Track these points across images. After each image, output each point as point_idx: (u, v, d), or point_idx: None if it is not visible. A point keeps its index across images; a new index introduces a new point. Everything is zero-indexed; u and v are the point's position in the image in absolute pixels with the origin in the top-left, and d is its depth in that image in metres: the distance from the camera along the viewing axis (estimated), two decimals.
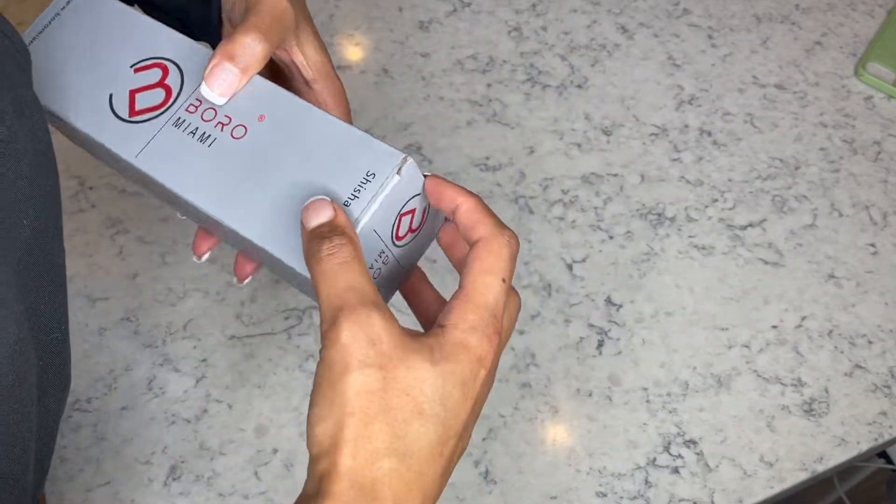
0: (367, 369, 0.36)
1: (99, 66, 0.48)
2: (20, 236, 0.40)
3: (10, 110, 0.41)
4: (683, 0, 0.96)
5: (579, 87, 0.88)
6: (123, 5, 0.49)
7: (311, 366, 0.70)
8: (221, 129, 0.44)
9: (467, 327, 0.38)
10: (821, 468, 0.68)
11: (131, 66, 0.47)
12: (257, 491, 0.63)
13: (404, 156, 0.41)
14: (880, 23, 0.96)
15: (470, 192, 0.42)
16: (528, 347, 0.72)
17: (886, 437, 0.70)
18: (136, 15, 0.49)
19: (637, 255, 0.78)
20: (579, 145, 0.84)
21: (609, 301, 0.75)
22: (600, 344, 0.73)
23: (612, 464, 0.67)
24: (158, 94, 0.46)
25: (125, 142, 0.45)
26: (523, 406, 0.69)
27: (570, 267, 0.77)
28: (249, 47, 0.44)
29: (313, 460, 0.36)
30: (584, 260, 0.77)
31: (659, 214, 0.80)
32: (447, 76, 0.87)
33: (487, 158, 0.82)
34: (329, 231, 0.39)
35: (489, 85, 0.87)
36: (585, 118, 0.86)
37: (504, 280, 0.40)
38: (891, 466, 1.10)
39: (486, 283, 0.39)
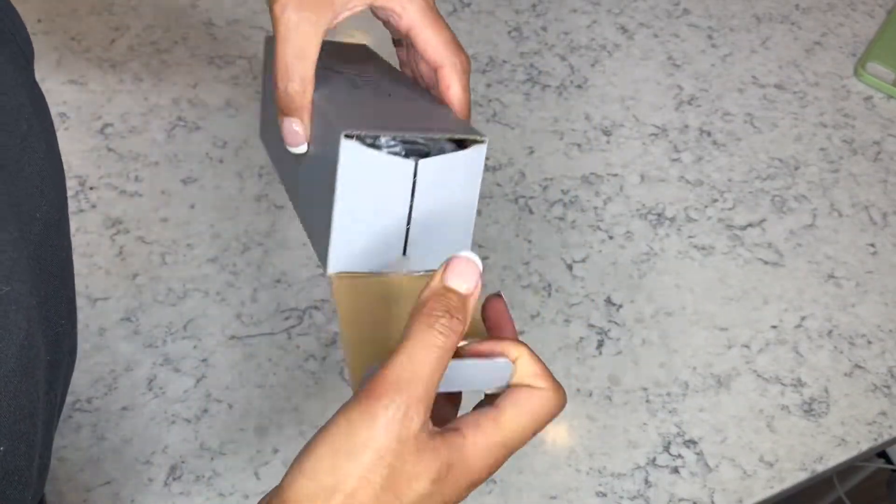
0: (380, 460, 0.35)
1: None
2: (33, 230, 0.40)
3: (28, 105, 0.41)
4: (683, 0, 0.96)
5: (579, 87, 0.88)
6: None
7: (312, 366, 0.70)
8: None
9: (484, 448, 0.37)
10: (821, 468, 0.68)
11: None
12: (257, 491, 0.63)
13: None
14: (880, 23, 0.96)
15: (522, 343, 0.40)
16: None
17: (886, 437, 0.70)
18: None
19: (637, 255, 0.78)
20: (579, 145, 0.84)
21: (609, 301, 0.75)
22: (600, 344, 0.73)
23: (611, 464, 0.67)
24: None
25: (293, 186, 0.50)
26: None
27: (570, 267, 0.77)
28: (290, 95, 0.45)
29: (281, 502, 0.36)
30: (584, 260, 0.77)
31: (659, 214, 0.80)
32: None
33: (487, 158, 0.82)
34: (457, 306, 0.37)
35: (489, 85, 0.87)
36: (585, 118, 0.86)
37: (535, 432, 0.39)
38: (890, 466, 1.10)
39: (523, 425, 0.38)
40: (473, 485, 0.38)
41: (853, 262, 0.79)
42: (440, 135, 0.42)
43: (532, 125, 0.85)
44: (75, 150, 0.80)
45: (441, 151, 0.43)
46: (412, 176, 0.42)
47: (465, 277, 0.37)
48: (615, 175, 0.82)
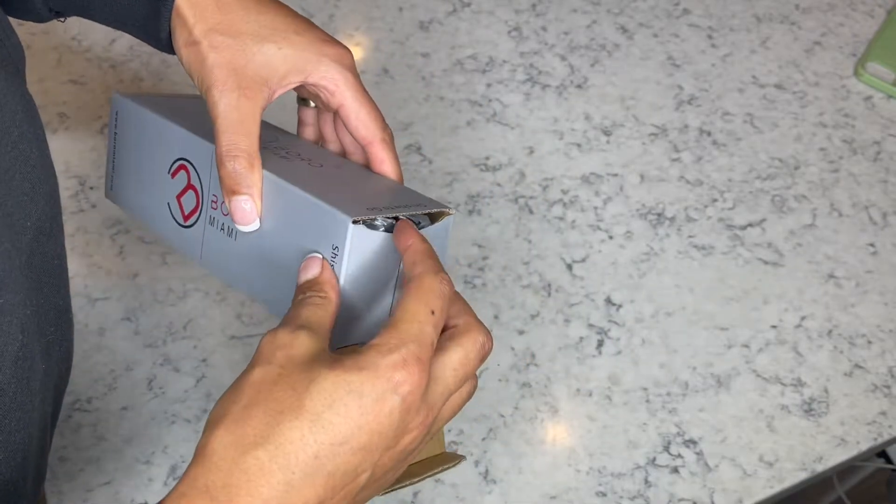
0: (267, 365, 0.37)
1: (153, 177, 0.53)
2: (24, 239, 0.40)
3: (21, 112, 0.41)
4: (683, 0, 0.96)
5: (579, 87, 0.88)
6: (143, 110, 0.53)
7: None
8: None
9: (383, 349, 0.38)
10: (820, 468, 0.68)
11: (168, 173, 0.52)
12: None
13: (349, 220, 0.43)
14: (880, 23, 0.96)
15: (423, 238, 0.43)
16: (528, 347, 0.72)
17: (886, 437, 0.70)
18: (155, 118, 0.52)
19: (637, 255, 0.78)
20: (579, 145, 0.84)
21: (609, 301, 0.75)
22: (600, 344, 0.73)
23: (611, 463, 0.67)
24: (192, 197, 0.50)
25: (191, 246, 0.51)
26: (523, 406, 0.69)
27: (570, 267, 0.77)
28: (238, 173, 0.46)
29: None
30: (584, 260, 0.77)
31: (659, 214, 0.80)
32: (447, 76, 0.87)
33: (487, 158, 0.82)
34: (310, 286, 0.42)
35: (489, 85, 0.87)
36: (585, 118, 0.86)
37: (433, 312, 0.40)
38: (890, 466, 1.10)
39: (413, 310, 0.39)
40: (397, 386, 0.37)
41: (853, 261, 0.79)
42: (420, 210, 0.46)
43: (532, 125, 0.85)
44: (75, 149, 0.80)
45: (418, 223, 0.46)
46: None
47: (310, 269, 0.44)
48: (615, 175, 0.82)
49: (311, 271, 0.43)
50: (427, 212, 0.46)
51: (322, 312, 0.41)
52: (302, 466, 0.35)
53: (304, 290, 0.43)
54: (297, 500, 0.35)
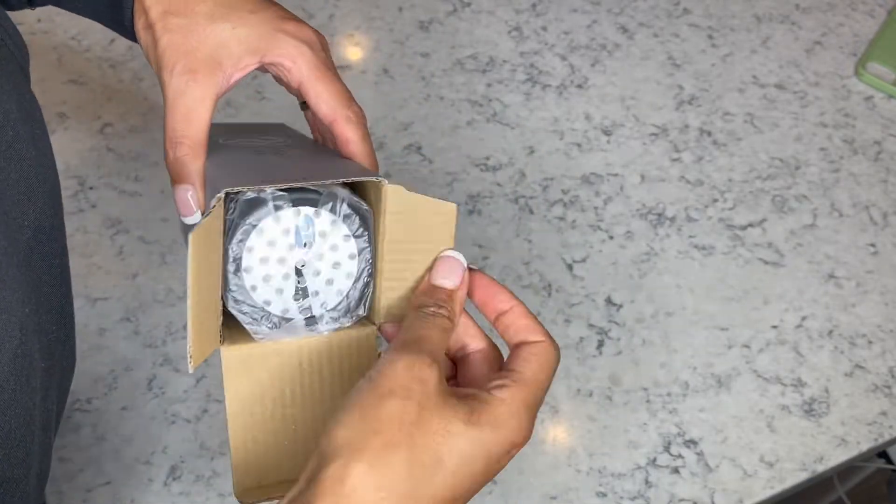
0: (407, 400, 0.36)
1: None
2: (22, 237, 0.40)
3: (15, 111, 0.41)
4: (683, 0, 0.96)
5: (579, 86, 0.88)
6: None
7: None
8: None
9: (517, 408, 0.38)
10: (821, 468, 0.68)
11: None
12: None
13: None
14: (880, 23, 0.96)
15: (513, 295, 0.43)
16: None
17: (886, 437, 0.70)
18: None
19: (637, 255, 0.78)
20: (579, 145, 0.84)
21: (609, 301, 0.75)
22: (600, 344, 0.73)
23: (612, 464, 0.67)
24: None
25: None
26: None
27: (570, 267, 0.77)
28: (180, 161, 0.44)
29: (320, 456, 0.36)
30: (584, 260, 0.77)
31: (659, 214, 0.80)
32: (447, 76, 0.87)
33: (487, 158, 0.82)
34: (444, 299, 0.41)
35: (489, 85, 0.87)
36: (585, 118, 0.86)
37: (548, 387, 0.40)
38: (891, 466, 1.10)
39: (540, 380, 0.39)
40: (513, 447, 0.38)
41: (853, 261, 0.79)
42: (329, 180, 0.41)
43: (532, 125, 0.85)
44: (75, 149, 0.79)
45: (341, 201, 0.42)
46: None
47: (450, 275, 0.41)
48: (615, 175, 0.82)
49: (451, 279, 0.42)
50: (340, 181, 0.41)
51: (447, 338, 0.40)
52: None
53: (438, 303, 0.41)
54: None
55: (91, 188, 0.77)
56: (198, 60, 0.44)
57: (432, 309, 0.40)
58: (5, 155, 0.40)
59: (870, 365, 0.73)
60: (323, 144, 0.52)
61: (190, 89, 0.43)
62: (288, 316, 0.42)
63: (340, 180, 0.41)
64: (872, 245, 0.80)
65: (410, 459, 0.35)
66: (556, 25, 0.92)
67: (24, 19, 0.86)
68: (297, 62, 0.45)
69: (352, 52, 0.88)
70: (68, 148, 0.80)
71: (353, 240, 0.42)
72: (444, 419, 0.36)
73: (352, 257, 0.42)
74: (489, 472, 0.37)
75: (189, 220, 0.44)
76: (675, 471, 0.67)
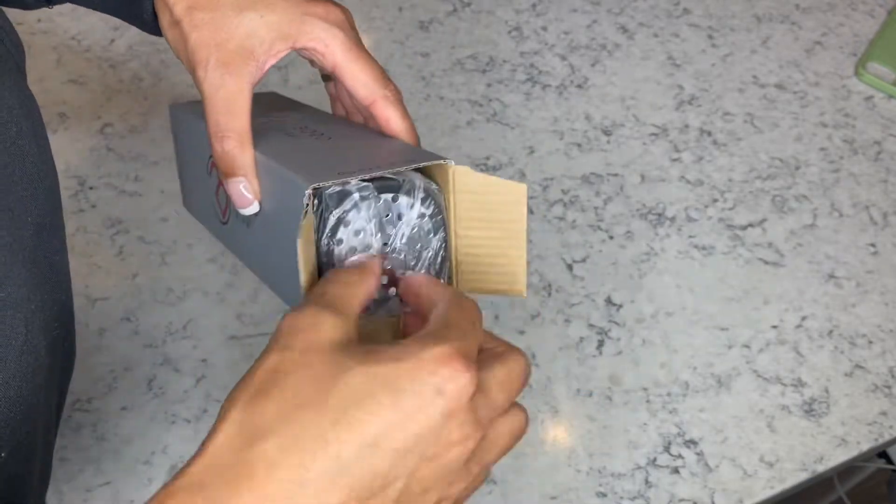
0: (285, 351, 0.33)
1: (198, 179, 0.52)
2: (25, 234, 0.40)
3: (18, 107, 0.41)
4: (683, 0, 0.96)
5: (579, 86, 0.88)
6: (184, 115, 0.53)
7: None
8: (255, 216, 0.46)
9: (427, 341, 0.33)
10: (821, 468, 0.68)
11: (207, 172, 0.50)
12: None
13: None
14: (880, 23, 0.96)
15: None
16: (528, 347, 0.72)
17: (887, 438, 0.70)
18: (192, 121, 0.51)
19: (637, 255, 0.78)
20: (579, 145, 0.84)
21: (609, 301, 0.75)
22: (600, 344, 0.73)
23: (612, 464, 0.67)
24: (223, 195, 0.48)
25: (232, 244, 0.49)
26: (523, 406, 0.69)
27: (570, 267, 0.76)
28: (229, 154, 0.43)
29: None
30: (584, 260, 0.77)
31: (659, 214, 0.80)
32: (447, 76, 0.87)
33: (487, 158, 0.82)
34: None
35: (489, 85, 0.87)
36: (585, 118, 0.86)
37: (474, 324, 0.36)
38: (891, 467, 1.10)
39: (455, 317, 0.36)
40: (434, 383, 0.32)
41: (854, 261, 0.79)
42: (405, 166, 0.42)
43: (532, 125, 0.85)
44: (75, 149, 0.79)
45: (400, 184, 0.42)
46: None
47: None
48: (615, 175, 0.82)
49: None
50: (413, 167, 0.43)
51: (352, 291, 0.37)
52: (319, 465, 0.30)
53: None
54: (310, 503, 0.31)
55: (91, 188, 0.77)
56: (230, 52, 0.43)
57: (331, 272, 0.39)
58: (9, 151, 0.40)
59: (870, 365, 0.73)
60: (347, 119, 0.53)
61: (226, 82, 0.43)
62: (379, 299, 0.42)
63: (414, 166, 0.42)
64: (873, 245, 0.80)
65: (282, 402, 0.31)
66: (556, 25, 0.92)
67: (24, 19, 0.86)
68: (329, 46, 0.46)
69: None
70: (68, 148, 0.80)
71: (429, 220, 0.43)
72: (331, 363, 0.32)
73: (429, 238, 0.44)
74: (407, 416, 0.31)
75: (247, 211, 0.44)
76: (675, 471, 0.67)
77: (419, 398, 0.32)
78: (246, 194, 0.43)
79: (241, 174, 0.43)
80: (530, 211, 0.79)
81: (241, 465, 0.31)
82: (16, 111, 0.41)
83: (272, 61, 0.45)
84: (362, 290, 0.38)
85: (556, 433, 0.69)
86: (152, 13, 0.46)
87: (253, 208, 0.44)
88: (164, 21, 0.45)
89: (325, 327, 0.34)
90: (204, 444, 0.32)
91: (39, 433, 0.41)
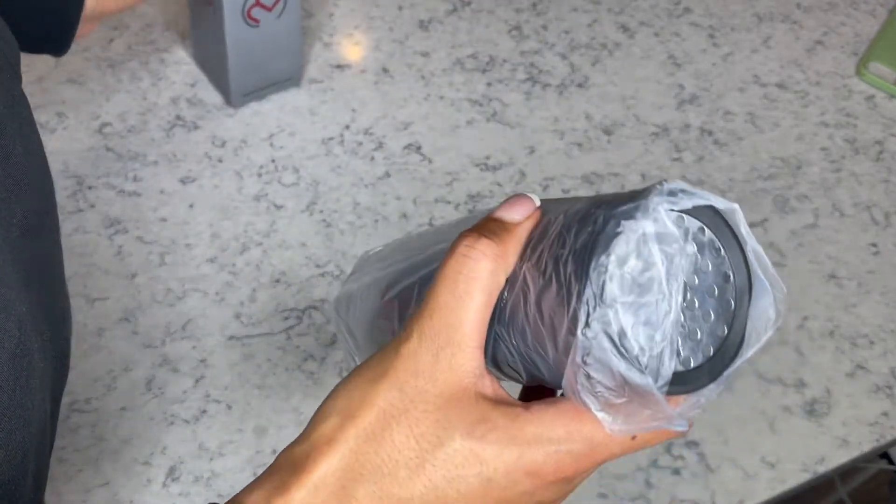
0: (397, 392, 0.32)
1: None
2: (12, 236, 0.39)
3: (1, 107, 0.41)
4: None
5: (580, 86, 0.88)
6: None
7: (311, 366, 0.69)
8: None
9: (547, 436, 0.31)
10: (822, 469, 0.68)
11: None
12: None
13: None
14: (882, 22, 0.95)
15: None
16: None
17: (888, 438, 0.70)
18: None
19: None
20: (580, 145, 0.84)
21: None
22: None
23: (612, 465, 0.67)
24: None
25: None
26: None
27: None
28: None
29: (303, 433, 0.34)
30: None
31: None
32: (447, 75, 0.87)
33: (487, 158, 0.82)
34: (492, 228, 0.32)
35: (489, 84, 0.87)
36: (586, 118, 0.86)
37: (634, 437, 0.32)
38: (893, 467, 1.10)
39: (597, 435, 0.32)
40: (531, 477, 0.31)
41: (855, 262, 0.79)
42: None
43: (532, 124, 0.85)
44: (73, 149, 0.79)
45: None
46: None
47: (514, 209, 0.33)
48: (616, 175, 0.82)
49: (515, 213, 0.33)
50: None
51: (487, 295, 0.32)
52: None
53: (484, 233, 0.32)
54: None
55: (90, 188, 0.77)
56: None
57: (468, 243, 0.32)
58: None
59: (871, 365, 0.73)
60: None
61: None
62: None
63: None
64: (874, 245, 0.80)
65: (380, 455, 0.31)
66: (557, 24, 0.92)
67: None
68: None
69: (351, 51, 0.88)
70: (67, 147, 0.79)
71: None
72: (437, 424, 0.31)
73: None
74: (494, 499, 0.32)
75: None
76: (676, 472, 0.67)
77: (508, 493, 0.32)
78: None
79: None
80: None
81: (336, 500, 0.32)
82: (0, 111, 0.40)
83: None
84: (495, 287, 0.33)
85: None
86: None
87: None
88: None
89: (441, 377, 0.32)
90: (305, 462, 0.32)
91: (34, 438, 0.40)
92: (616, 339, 0.28)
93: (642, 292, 0.29)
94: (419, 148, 0.82)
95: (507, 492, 0.31)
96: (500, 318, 0.32)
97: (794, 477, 0.67)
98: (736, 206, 0.30)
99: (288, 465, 0.33)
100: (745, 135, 0.86)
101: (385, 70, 0.87)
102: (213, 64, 0.82)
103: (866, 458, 0.71)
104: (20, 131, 0.42)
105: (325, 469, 0.32)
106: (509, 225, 0.32)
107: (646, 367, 0.28)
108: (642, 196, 0.30)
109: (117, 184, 0.77)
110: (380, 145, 0.81)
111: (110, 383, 0.68)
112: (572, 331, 0.29)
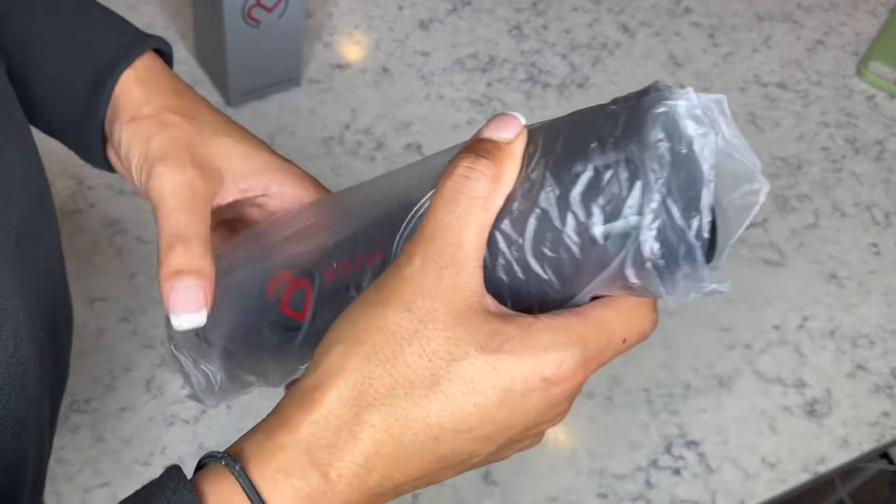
0: (406, 313, 0.32)
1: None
2: (7, 243, 0.39)
3: None
4: None
5: (580, 86, 0.88)
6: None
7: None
8: None
9: (561, 340, 0.32)
10: (823, 469, 0.68)
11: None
12: None
13: None
14: (882, 22, 0.95)
15: None
16: None
17: (888, 438, 0.70)
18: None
19: None
20: None
21: None
22: None
23: (613, 465, 0.67)
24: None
25: None
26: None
27: None
28: (184, 254, 0.39)
29: (317, 352, 0.33)
30: None
31: None
32: (447, 75, 0.87)
33: None
34: (487, 148, 0.33)
35: (489, 84, 0.87)
36: None
37: (625, 341, 0.35)
38: (893, 467, 1.10)
39: (610, 329, 0.34)
40: (548, 384, 0.32)
41: (855, 262, 0.78)
42: None
43: None
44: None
45: None
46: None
47: (502, 128, 0.33)
48: None
49: (504, 132, 0.33)
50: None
51: (489, 211, 0.32)
52: (418, 445, 0.32)
53: (479, 153, 0.33)
54: (401, 474, 0.32)
55: (89, 188, 0.77)
56: (203, 159, 0.41)
57: (466, 164, 0.32)
58: None
59: (872, 365, 0.73)
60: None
61: (196, 185, 0.40)
62: None
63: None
64: (874, 245, 0.80)
65: (395, 375, 0.31)
66: (557, 24, 0.92)
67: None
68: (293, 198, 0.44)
69: (351, 50, 0.88)
70: (66, 148, 0.79)
71: None
72: (448, 341, 0.31)
73: None
74: (506, 413, 0.32)
75: (198, 322, 0.38)
76: (677, 472, 0.67)
77: (524, 398, 0.32)
78: (189, 298, 0.39)
79: (195, 278, 0.39)
80: None
81: (347, 430, 0.31)
82: None
83: (234, 194, 0.42)
84: (494, 207, 0.33)
85: (557, 434, 0.68)
86: (102, 117, 0.42)
87: (200, 320, 0.39)
88: (123, 116, 0.41)
89: (449, 294, 0.32)
90: (311, 396, 0.32)
91: (31, 445, 0.40)
92: (685, 207, 0.30)
93: (684, 163, 0.31)
94: (419, 148, 0.82)
95: (523, 399, 0.32)
96: (509, 233, 0.33)
97: (794, 477, 0.67)
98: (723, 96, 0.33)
99: (294, 402, 0.33)
100: (745, 134, 0.85)
101: (385, 70, 0.87)
102: (213, 63, 0.81)
103: (866, 458, 0.71)
104: (16, 139, 0.41)
105: (335, 399, 0.32)
106: (502, 144, 0.33)
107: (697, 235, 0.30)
108: (648, 92, 0.32)
109: (117, 184, 0.77)
110: (380, 145, 0.81)
111: (110, 383, 0.68)
112: (637, 210, 0.30)
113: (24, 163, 0.42)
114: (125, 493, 0.63)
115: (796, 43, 0.93)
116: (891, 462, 1.11)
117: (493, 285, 0.33)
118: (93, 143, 0.43)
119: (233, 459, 0.32)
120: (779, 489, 0.67)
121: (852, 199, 0.82)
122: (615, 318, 0.34)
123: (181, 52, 0.85)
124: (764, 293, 0.76)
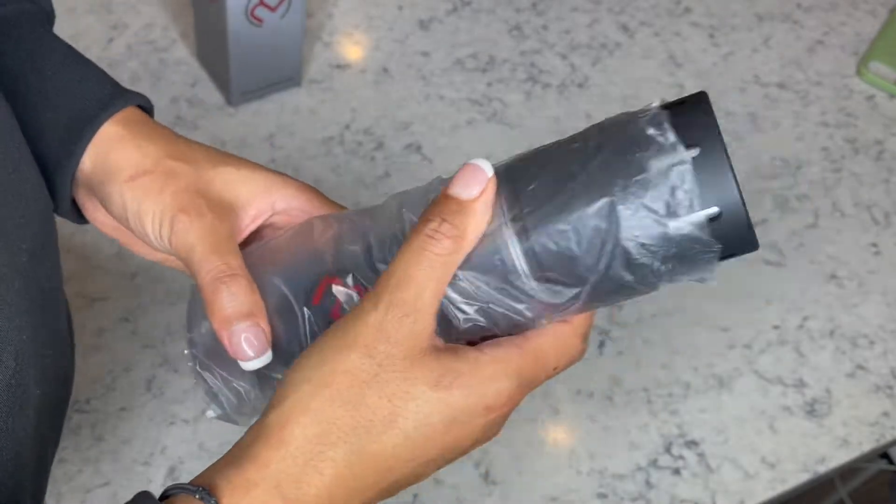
0: (367, 359, 0.35)
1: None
2: (20, 261, 0.39)
3: (20, 131, 0.40)
4: None
5: (580, 86, 0.88)
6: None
7: None
8: None
9: (501, 372, 0.36)
10: (822, 469, 0.68)
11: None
12: None
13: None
14: (882, 22, 0.95)
15: None
16: None
17: (888, 438, 0.70)
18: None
19: None
20: None
21: None
22: (601, 344, 0.72)
23: (612, 465, 0.67)
24: None
25: None
26: (524, 407, 0.69)
27: None
28: (234, 297, 0.39)
29: (278, 391, 0.36)
30: None
31: None
32: (447, 75, 0.87)
33: (488, 158, 0.82)
34: (453, 211, 0.36)
35: (489, 84, 0.87)
36: (587, 118, 0.86)
37: (556, 369, 0.38)
38: (893, 467, 1.10)
39: (546, 357, 0.37)
40: (488, 411, 0.36)
41: (855, 262, 0.78)
42: None
43: (533, 125, 0.85)
44: None
45: None
46: None
47: (467, 184, 0.37)
48: None
49: (469, 189, 0.36)
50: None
51: (448, 269, 0.35)
52: (374, 476, 0.35)
53: (444, 216, 0.36)
54: (358, 500, 0.36)
55: None
56: (213, 201, 0.42)
57: (432, 227, 0.35)
58: (11, 178, 0.38)
59: (871, 365, 0.73)
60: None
61: (218, 228, 0.41)
62: None
63: None
64: (874, 245, 0.80)
65: (356, 417, 0.34)
66: (557, 24, 0.92)
67: None
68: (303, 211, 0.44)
69: (351, 50, 0.88)
70: None
71: None
72: (406, 382, 0.35)
73: None
74: (451, 438, 0.36)
75: (265, 362, 0.40)
76: (677, 472, 0.67)
77: (468, 426, 0.36)
78: (254, 341, 0.39)
79: (251, 321, 0.39)
80: None
81: (312, 467, 0.34)
82: (17, 135, 0.40)
83: (250, 222, 0.43)
84: (452, 266, 0.36)
85: (557, 434, 0.68)
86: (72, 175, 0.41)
87: (266, 359, 0.39)
88: (122, 176, 0.41)
89: (405, 338, 0.35)
90: (279, 435, 0.35)
91: (29, 466, 0.40)
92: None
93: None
94: (419, 148, 0.82)
95: (467, 426, 0.36)
96: (466, 284, 0.36)
97: (794, 477, 0.67)
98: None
99: (262, 437, 0.35)
100: (745, 134, 0.86)
101: (385, 70, 0.87)
102: (214, 63, 0.81)
103: (866, 458, 0.71)
104: (28, 152, 0.41)
105: (302, 438, 0.34)
106: (465, 203, 0.36)
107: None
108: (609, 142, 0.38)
109: None
110: (380, 145, 0.81)
111: (110, 383, 0.68)
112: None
113: (39, 181, 0.42)
114: (125, 493, 0.64)
115: (796, 43, 0.93)
116: (891, 462, 1.11)
117: (445, 322, 0.37)
118: (63, 191, 0.43)
119: (208, 493, 0.34)
120: (778, 489, 0.67)
121: (852, 199, 0.82)
122: (550, 347, 0.37)
123: (181, 52, 0.85)
124: (764, 293, 0.76)
